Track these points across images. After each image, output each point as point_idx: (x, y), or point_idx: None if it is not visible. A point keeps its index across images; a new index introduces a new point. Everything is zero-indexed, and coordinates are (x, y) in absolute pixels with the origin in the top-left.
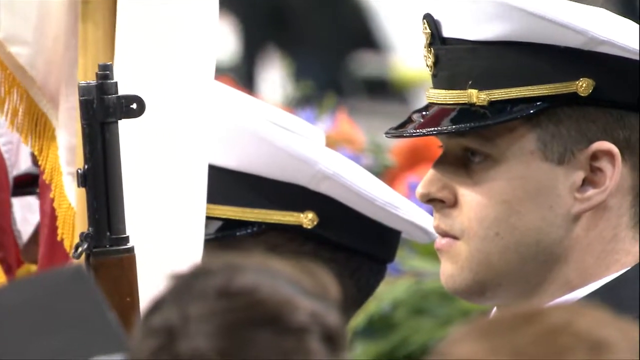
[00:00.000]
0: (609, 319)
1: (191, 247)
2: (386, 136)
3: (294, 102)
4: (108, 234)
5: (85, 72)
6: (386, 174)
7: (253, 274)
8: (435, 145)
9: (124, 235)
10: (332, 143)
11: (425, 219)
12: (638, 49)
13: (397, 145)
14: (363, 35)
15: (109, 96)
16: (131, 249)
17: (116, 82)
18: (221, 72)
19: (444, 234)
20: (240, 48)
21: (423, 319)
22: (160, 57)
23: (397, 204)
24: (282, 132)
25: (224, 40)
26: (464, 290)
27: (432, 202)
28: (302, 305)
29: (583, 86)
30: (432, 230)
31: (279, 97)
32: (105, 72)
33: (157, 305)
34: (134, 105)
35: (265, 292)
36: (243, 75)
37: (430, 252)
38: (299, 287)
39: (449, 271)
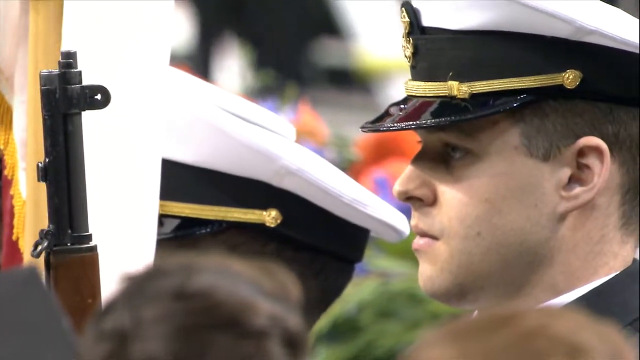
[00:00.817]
0: (586, 323)
1: (144, 246)
2: (362, 130)
3: (253, 93)
4: (69, 231)
5: (35, 62)
6: (351, 168)
7: (210, 275)
8: (403, 139)
9: (87, 233)
10: None
11: (395, 217)
12: (628, 39)
13: (362, 138)
14: (326, 22)
15: (72, 86)
16: (94, 248)
17: (80, 71)
18: (175, 61)
19: (423, 234)
20: (195, 35)
21: (390, 321)
22: (110, 45)
23: (366, 201)
24: (242, 125)
25: (179, 26)
26: (444, 293)
27: (411, 200)
28: (261, 308)
29: (570, 78)
30: (402, 228)
31: (238, 88)
32: (68, 60)
33: (109, 308)
34: (99, 96)
35: (223, 293)
36: (199, 64)
37: (398, 251)
38: (259, 289)
39: (427, 273)
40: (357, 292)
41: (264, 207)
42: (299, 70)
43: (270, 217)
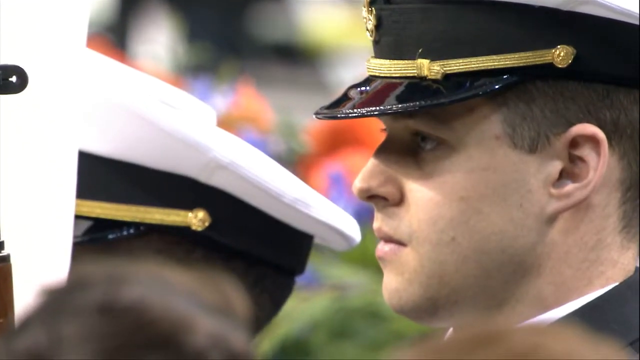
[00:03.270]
0: (585, 342)
1: (58, 255)
2: (317, 117)
3: (185, 70)
4: None
5: None
6: (300, 161)
7: (141, 287)
8: (363, 127)
9: None
10: (231, 122)
11: (344, 221)
12: (628, 9)
13: (314, 125)
14: None
15: None
16: (6, 258)
17: None
18: (92, 32)
19: (388, 239)
20: (115, 1)
21: (346, 343)
22: (19, 20)
23: (309, 201)
24: (165, 111)
25: None
26: (412, 309)
27: (373, 199)
28: (200, 325)
29: (561, 55)
30: (352, 234)
31: (166, 64)
32: None
33: (23, 325)
34: (14, 78)
35: (156, 308)
36: (119, 35)
37: (356, 259)
38: (198, 303)
39: (393, 285)
40: (307, 308)
41: (190, 207)
42: (238, 43)
43: (197, 219)
